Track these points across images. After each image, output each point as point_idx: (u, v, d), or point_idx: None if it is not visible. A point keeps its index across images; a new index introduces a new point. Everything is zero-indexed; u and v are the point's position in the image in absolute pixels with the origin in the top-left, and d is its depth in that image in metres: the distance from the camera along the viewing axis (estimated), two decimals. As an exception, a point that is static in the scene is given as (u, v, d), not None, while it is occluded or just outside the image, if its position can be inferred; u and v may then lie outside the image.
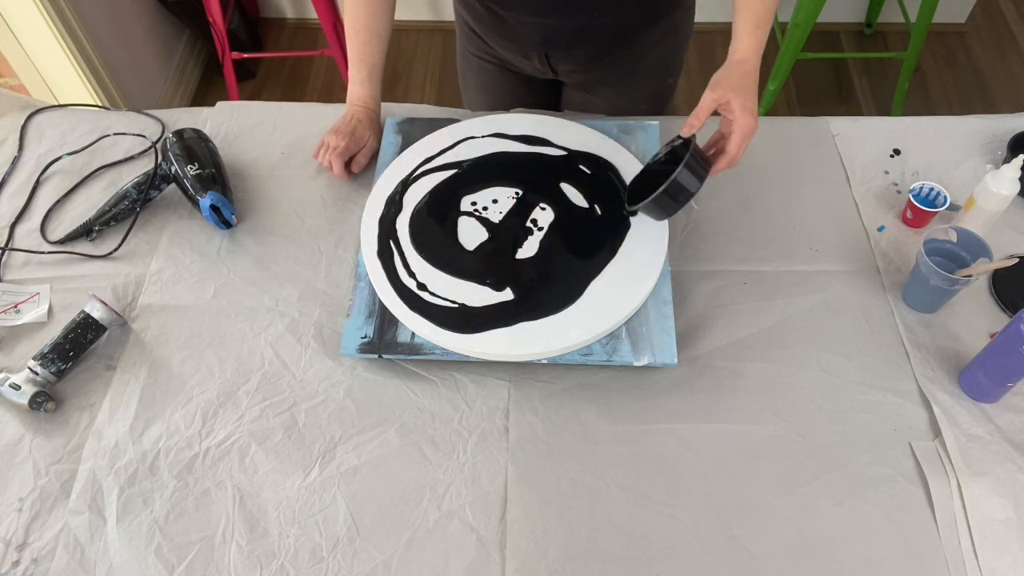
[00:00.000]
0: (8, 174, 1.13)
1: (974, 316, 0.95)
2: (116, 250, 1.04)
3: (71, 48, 1.89)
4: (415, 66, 2.52)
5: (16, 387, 0.88)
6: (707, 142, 0.92)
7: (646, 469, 0.85)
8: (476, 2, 1.11)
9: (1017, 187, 0.94)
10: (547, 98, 1.31)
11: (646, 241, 0.96)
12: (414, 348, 0.90)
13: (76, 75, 1.95)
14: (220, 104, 1.21)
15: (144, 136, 1.18)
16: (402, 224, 0.99)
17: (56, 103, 1.24)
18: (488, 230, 0.98)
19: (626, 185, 1.01)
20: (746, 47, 0.89)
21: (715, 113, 0.89)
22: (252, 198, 1.10)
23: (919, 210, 1.00)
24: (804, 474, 0.84)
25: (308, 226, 1.06)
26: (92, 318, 0.92)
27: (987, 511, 0.80)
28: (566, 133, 1.08)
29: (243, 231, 1.06)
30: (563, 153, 1.06)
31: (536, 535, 0.81)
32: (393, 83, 2.46)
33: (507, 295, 0.92)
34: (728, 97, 0.86)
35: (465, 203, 1.01)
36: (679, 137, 0.90)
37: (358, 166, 1.09)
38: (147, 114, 1.20)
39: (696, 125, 0.88)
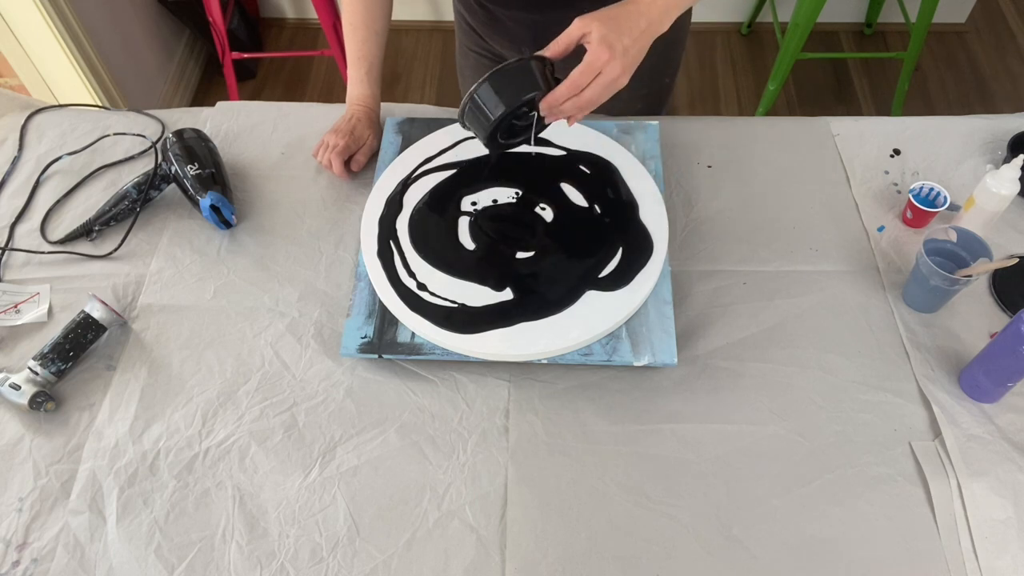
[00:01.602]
0: (8, 174, 1.13)
1: (974, 316, 0.95)
2: (116, 250, 1.04)
3: (71, 48, 1.89)
4: (415, 66, 2.52)
5: (16, 387, 0.88)
6: None
7: (646, 469, 0.85)
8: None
9: (1017, 187, 0.94)
10: None
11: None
12: (414, 348, 0.90)
13: (76, 75, 1.95)
14: (220, 104, 1.21)
15: (144, 136, 1.18)
16: (402, 224, 0.99)
17: (56, 103, 1.24)
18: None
19: (626, 184, 1.01)
20: None
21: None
22: (252, 198, 1.10)
23: (919, 210, 1.00)
24: (804, 474, 0.84)
25: (308, 226, 1.06)
26: (92, 318, 0.92)
27: (987, 511, 0.80)
28: (566, 133, 1.08)
29: (243, 231, 1.06)
30: (563, 153, 1.06)
31: (536, 535, 0.81)
32: (393, 83, 2.46)
33: (507, 295, 0.92)
34: (591, 27, 0.77)
35: (465, 203, 1.01)
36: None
37: (357, 165, 1.09)
38: (147, 114, 1.21)
39: (553, 50, 0.79)
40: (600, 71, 0.77)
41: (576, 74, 0.77)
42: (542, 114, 0.81)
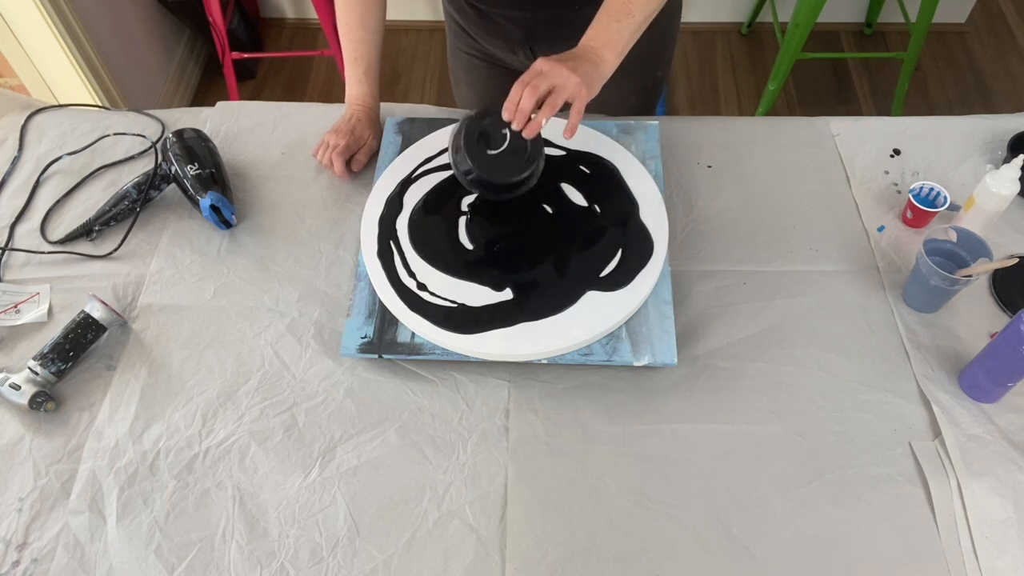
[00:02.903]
0: (8, 174, 1.13)
1: (974, 316, 0.95)
2: (116, 250, 1.04)
3: (71, 48, 1.89)
4: (415, 66, 2.52)
5: (16, 387, 0.88)
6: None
7: (646, 469, 0.85)
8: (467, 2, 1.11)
9: (1017, 187, 0.94)
10: None
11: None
12: (414, 348, 0.90)
13: (76, 75, 1.94)
14: (220, 104, 1.21)
15: (144, 136, 1.18)
16: (402, 224, 0.99)
17: (56, 103, 1.24)
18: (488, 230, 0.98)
19: (626, 184, 1.01)
20: (592, 36, 0.90)
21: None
22: (252, 198, 1.10)
23: (919, 210, 1.00)
24: (804, 474, 0.84)
25: (308, 226, 1.06)
26: (92, 318, 0.92)
27: (987, 511, 0.80)
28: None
29: (243, 231, 1.06)
30: (563, 153, 1.06)
31: (536, 535, 0.81)
32: (393, 83, 2.46)
33: (507, 295, 0.92)
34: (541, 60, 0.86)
35: (464, 203, 1.01)
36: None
37: (358, 164, 1.10)
38: (147, 114, 1.20)
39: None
40: (541, 71, 0.85)
41: (523, 76, 0.86)
42: (509, 121, 0.87)
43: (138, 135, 1.18)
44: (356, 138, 1.09)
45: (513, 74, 1.24)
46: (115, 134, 1.18)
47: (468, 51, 1.25)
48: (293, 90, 2.46)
